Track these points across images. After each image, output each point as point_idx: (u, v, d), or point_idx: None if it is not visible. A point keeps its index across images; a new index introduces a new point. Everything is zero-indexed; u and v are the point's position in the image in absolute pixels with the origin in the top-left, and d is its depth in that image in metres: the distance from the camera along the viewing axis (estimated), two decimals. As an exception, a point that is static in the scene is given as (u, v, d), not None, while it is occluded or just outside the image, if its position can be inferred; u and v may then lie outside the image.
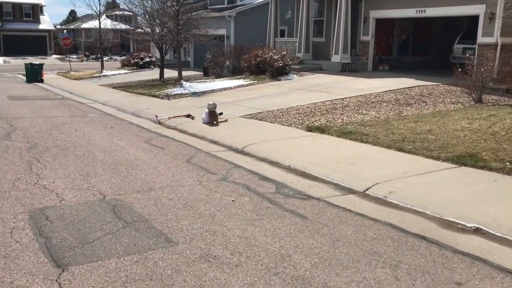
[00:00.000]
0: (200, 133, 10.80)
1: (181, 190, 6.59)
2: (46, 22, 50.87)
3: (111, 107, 15.76)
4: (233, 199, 6.24)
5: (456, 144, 8.65)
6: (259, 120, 12.18)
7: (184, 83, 19.76)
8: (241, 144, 9.51)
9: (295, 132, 10.56)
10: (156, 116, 12.71)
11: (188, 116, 12.65)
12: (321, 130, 10.47)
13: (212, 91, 17.74)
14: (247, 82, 18.85)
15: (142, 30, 21.50)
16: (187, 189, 6.64)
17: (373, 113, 12.29)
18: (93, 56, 42.57)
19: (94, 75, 27.86)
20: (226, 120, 11.88)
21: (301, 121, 11.72)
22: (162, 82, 22.70)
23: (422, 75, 17.90)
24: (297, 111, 12.90)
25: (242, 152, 9.05)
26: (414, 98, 13.89)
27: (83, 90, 20.63)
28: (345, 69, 19.87)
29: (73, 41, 45.28)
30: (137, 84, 22.60)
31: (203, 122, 11.66)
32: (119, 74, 27.80)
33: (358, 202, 6.18)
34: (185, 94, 17.57)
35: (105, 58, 42.51)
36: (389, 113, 12.22)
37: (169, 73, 24.16)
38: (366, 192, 6.55)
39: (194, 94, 17.27)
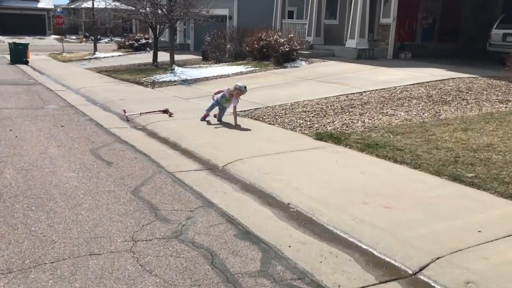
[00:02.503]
0: (173, 138, 7.82)
1: (91, 266, 3.62)
2: (45, 1, 47.68)
3: (81, 96, 12.78)
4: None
5: (542, 173, 5.60)
6: (255, 119, 9.15)
7: (176, 68, 16.72)
8: (223, 158, 6.52)
9: (301, 140, 7.53)
10: (124, 111, 9.72)
11: (165, 112, 9.66)
12: (336, 139, 7.42)
13: (206, 78, 14.69)
14: (247, 69, 15.76)
15: (130, 8, 18.41)
16: (101, 265, 3.65)
17: (402, 113, 9.21)
18: (93, 37, 39.63)
19: (85, 57, 24.88)
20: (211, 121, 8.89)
21: (309, 123, 8.68)
22: (155, 66, 19.66)
23: (452, 64, 14.69)
24: (304, 108, 9.84)
25: (222, 172, 6.06)
26: (450, 94, 10.75)
27: (63, 74, 17.68)
28: (362, 56, 16.70)
29: (74, 22, 42.31)
30: (126, 68, 19.59)
31: (216, 102, 8.93)
32: (112, 56, 24.78)
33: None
34: (174, 81, 14.54)
35: (106, 40, 39.61)
36: (423, 114, 9.13)
37: (165, 57, 20.98)
38: (422, 276, 3.55)
39: (184, 82, 14.24)
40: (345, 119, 8.84)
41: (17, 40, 30.68)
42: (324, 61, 16.26)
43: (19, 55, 22.86)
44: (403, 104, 9.98)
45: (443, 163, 6.10)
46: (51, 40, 39.60)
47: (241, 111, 9.89)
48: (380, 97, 10.67)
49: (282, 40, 16.21)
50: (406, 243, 3.97)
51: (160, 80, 14.94)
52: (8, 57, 26.19)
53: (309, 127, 8.42)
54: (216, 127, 8.47)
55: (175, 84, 14.08)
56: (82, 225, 4.35)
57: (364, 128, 8.23)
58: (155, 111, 9.74)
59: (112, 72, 18.16)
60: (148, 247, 3.93)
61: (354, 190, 5.21)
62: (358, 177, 5.67)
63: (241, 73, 15.24)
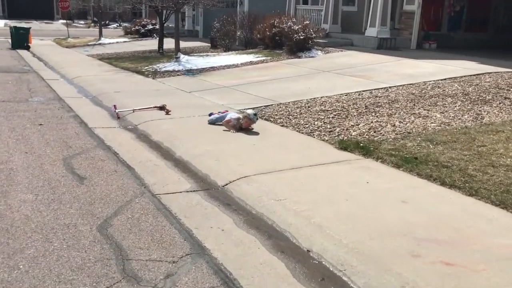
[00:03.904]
0: (167, 143, 6.42)
1: None
2: (54, -16, 46.15)
3: (74, 86, 11.41)
4: None
5: None
6: (265, 120, 7.71)
7: (181, 56, 15.26)
8: (225, 175, 5.11)
9: (320, 150, 6.08)
10: (115, 107, 8.32)
11: (162, 108, 8.25)
12: (363, 149, 5.97)
13: (212, 68, 13.22)
14: (258, 59, 14.26)
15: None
16: None
17: (438, 115, 7.72)
18: (102, 22, 38.17)
19: (90, 43, 23.47)
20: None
21: (328, 125, 7.22)
22: (161, 53, 18.22)
23: (484, 57, 13.08)
24: (323, 107, 8.38)
25: (221, 195, 4.67)
26: (489, 92, 9.20)
27: (62, 61, 16.31)
28: (383, 46, 15.10)
29: (83, 6, 40.82)
30: (130, 55, 18.16)
31: (211, 122, 7.32)
32: (117, 43, 23.34)
33: None
34: (178, 71, 13.09)
35: (114, 25, 38.18)
36: (462, 115, 7.64)
37: (172, 44, 19.36)
38: None
39: (188, 72, 12.79)
40: (372, 122, 7.37)
41: (24, 24, 29.39)
42: (342, 51, 14.70)
43: (20, 40, 21.52)
44: (436, 103, 8.48)
45: (506, 189, 4.65)
46: (59, 25, 38.21)
47: (248, 108, 8.46)
48: (409, 94, 9.17)
49: (297, 27, 14.66)
50: None
51: (163, 69, 13.51)
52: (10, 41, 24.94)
53: (330, 131, 6.96)
54: (217, 130, 7.05)
55: (178, 75, 12.64)
56: (13, 290, 2.99)
57: (396, 133, 6.77)
58: (151, 108, 8.34)
59: (113, 59, 16.75)
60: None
61: (397, 232, 3.79)
62: (399, 209, 4.24)
63: (251, 62, 13.75)
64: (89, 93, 10.35)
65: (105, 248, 3.56)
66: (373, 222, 3.96)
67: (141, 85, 11.28)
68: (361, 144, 6.15)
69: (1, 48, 21.33)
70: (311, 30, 14.74)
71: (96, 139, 6.63)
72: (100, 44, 23.01)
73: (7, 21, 36.88)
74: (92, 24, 38.53)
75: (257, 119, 6.90)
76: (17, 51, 20.35)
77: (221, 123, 7.19)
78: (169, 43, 19.38)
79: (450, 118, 7.55)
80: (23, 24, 30.01)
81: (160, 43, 18.82)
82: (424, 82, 10.10)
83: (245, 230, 3.92)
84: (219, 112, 7.60)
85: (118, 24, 37.99)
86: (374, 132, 6.88)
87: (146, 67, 14.01)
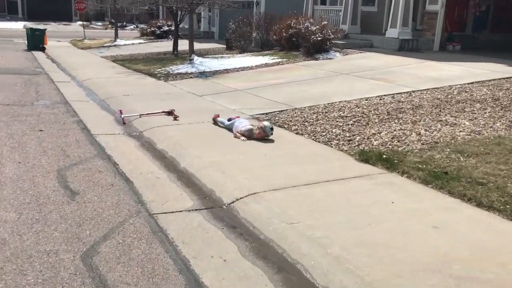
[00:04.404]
0: (172, 152, 5.88)
1: None
2: (72, -14, 46.18)
3: (84, 89, 10.98)
4: None
5: None
6: (279, 126, 7.12)
7: (195, 58, 14.76)
8: (231, 190, 4.55)
9: (339, 162, 5.46)
10: (121, 112, 7.82)
11: (170, 113, 7.73)
12: (387, 162, 5.34)
13: (226, 71, 12.69)
14: (273, 61, 13.67)
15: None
16: None
17: (466, 122, 7.04)
18: (119, 24, 38.05)
19: (105, 45, 23.16)
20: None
21: (347, 133, 6.61)
22: (175, 55, 17.77)
23: (512, 59, 12.33)
24: (341, 112, 7.77)
25: (227, 215, 4.11)
26: (521, 97, 8.50)
27: (75, 63, 15.95)
28: (404, 48, 14.39)
29: (101, 8, 40.77)
30: (145, 57, 17.75)
31: (226, 126, 6.82)
32: (132, 44, 22.97)
33: None
34: (191, 74, 12.59)
35: (131, 27, 37.95)
36: (494, 123, 6.95)
37: (187, 45, 19.09)
38: None
39: (201, 74, 12.28)
40: (395, 129, 6.74)
41: (42, 26, 29.30)
42: (361, 53, 14.03)
43: (35, 41, 21.29)
44: (464, 109, 7.79)
45: (555, 213, 4.00)
46: (77, 26, 38.09)
47: (262, 114, 7.91)
48: (434, 98, 8.49)
49: (314, 28, 14.04)
50: None
51: (176, 71, 13.02)
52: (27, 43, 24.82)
53: (349, 140, 6.35)
54: (227, 137, 6.50)
55: (191, 77, 12.13)
56: None
57: (422, 143, 6.13)
58: (158, 112, 7.82)
59: (127, 61, 16.34)
60: None
61: (429, 267, 3.18)
62: (431, 236, 3.63)
63: (266, 65, 13.18)
64: (97, 97, 9.90)
65: (86, 283, 3.03)
66: (401, 254, 3.36)
67: (152, 88, 10.79)
68: (384, 156, 5.53)
69: (17, 50, 21.12)
70: (329, 31, 14.10)
71: (96, 147, 6.13)
72: (115, 45, 22.68)
73: (26, 23, 36.92)
74: (110, 26, 38.38)
75: (272, 133, 6.32)
76: (32, 52, 20.12)
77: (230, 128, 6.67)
78: (184, 45, 18.88)
79: (481, 126, 6.87)
80: (41, 25, 29.93)
81: (175, 45, 18.37)
82: (449, 86, 9.41)
83: (251, 261, 3.36)
84: (229, 119, 7.05)
85: (135, 26, 37.77)
86: (398, 141, 6.25)
87: (159, 69, 13.54)
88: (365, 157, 5.52)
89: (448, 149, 5.81)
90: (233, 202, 4.36)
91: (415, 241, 3.55)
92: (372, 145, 6.14)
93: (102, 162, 5.53)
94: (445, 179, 4.77)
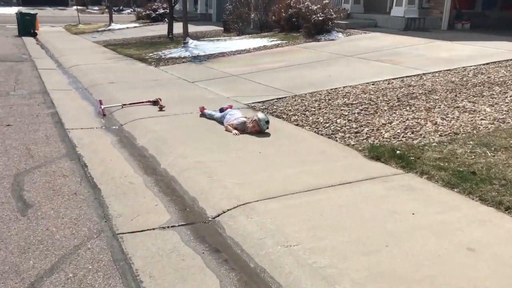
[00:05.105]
0: (153, 149, 5.06)
1: None
2: (67, -30, 44.77)
3: (68, 77, 10.12)
4: None
5: None
6: (276, 117, 6.27)
7: (190, 41, 13.82)
8: (218, 200, 3.73)
9: (345, 160, 4.61)
10: (101, 102, 6.97)
11: (155, 103, 6.89)
12: (402, 160, 4.49)
13: (222, 54, 11.77)
14: (272, 43, 12.73)
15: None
16: None
17: (487, 108, 6.17)
18: (115, 8, 36.91)
19: (99, 29, 22.15)
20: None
21: (354, 124, 5.76)
22: (170, 39, 16.79)
23: (527, 37, 11.37)
24: (346, 99, 6.90)
25: (210, 233, 3.29)
26: (544, 78, 7.61)
27: (65, 49, 15.02)
28: (410, 27, 13.43)
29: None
30: (137, 41, 16.79)
31: (216, 118, 5.97)
32: (127, 28, 21.96)
33: None
34: (183, 58, 11.68)
35: (128, 10, 36.81)
36: (517, 109, 6.11)
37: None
38: None
39: (195, 59, 11.37)
40: (407, 118, 5.89)
41: (37, 11, 28.26)
42: (365, 33, 13.07)
43: (26, 26, 20.35)
44: (482, 92, 6.92)
45: None
46: (72, 11, 36.88)
47: (258, 102, 7.05)
48: (448, 82, 7.61)
49: (315, 8, 13.06)
50: None
51: (168, 56, 12.12)
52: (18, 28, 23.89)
53: (356, 132, 5.51)
54: (217, 131, 5.67)
55: (183, 62, 11.24)
56: None
57: (440, 135, 5.28)
58: (143, 102, 6.98)
59: (119, 46, 15.41)
60: None
61: (472, 313, 2.37)
62: (467, 265, 2.81)
63: (265, 47, 12.26)
64: (81, 85, 9.04)
65: None
66: (432, 293, 2.54)
67: (140, 74, 9.92)
68: (398, 152, 4.69)
69: (6, 36, 20.18)
70: (331, 11, 13.13)
71: (67, 145, 5.30)
72: (109, 30, 21.70)
73: (21, 7, 35.76)
74: (106, 10, 37.22)
75: (267, 127, 5.47)
76: (23, 38, 19.20)
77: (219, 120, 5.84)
78: (179, 28, 17.84)
79: (503, 112, 6.01)
80: (36, 10, 28.89)
81: (170, 28, 17.38)
82: (463, 67, 8.52)
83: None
84: (221, 109, 6.21)
85: (132, 10, 36.62)
86: (412, 133, 5.41)
87: (151, 54, 12.64)
88: (376, 153, 4.67)
89: (471, 142, 4.97)
90: (219, 215, 3.55)
91: (446, 271, 2.74)
92: (383, 137, 5.29)
93: (69, 163, 4.71)
94: (474, 181, 3.94)
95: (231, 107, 6.34)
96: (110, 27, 22.39)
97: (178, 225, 3.44)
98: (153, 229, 3.38)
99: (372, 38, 12.17)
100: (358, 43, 11.62)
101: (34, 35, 20.26)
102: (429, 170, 4.22)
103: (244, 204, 3.61)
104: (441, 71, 8.33)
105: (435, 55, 9.68)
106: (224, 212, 3.56)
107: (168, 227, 3.41)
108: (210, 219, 3.54)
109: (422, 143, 5.03)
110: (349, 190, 3.86)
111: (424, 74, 8.19)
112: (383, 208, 3.54)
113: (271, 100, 7.12)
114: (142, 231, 3.34)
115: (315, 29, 12.80)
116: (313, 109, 6.50)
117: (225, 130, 5.61)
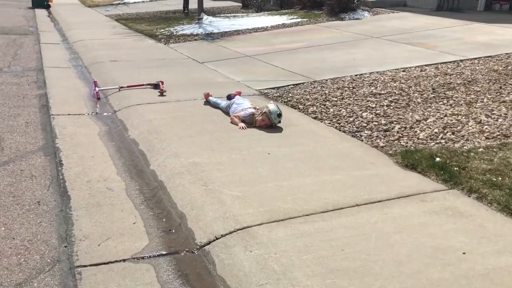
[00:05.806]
0: (144, 144, 4.28)
1: None
2: None
3: (70, 52, 9.35)
4: None
5: None
6: (291, 107, 5.41)
7: (204, 17, 12.91)
8: (210, 219, 2.91)
9: (373, 169, 3.71)
10: (95, 84, 6.18)
11: (157, 86, 6.06)
12: (444, 171, 3.60)
13: (237, 32, 10.85)
14: (292, 21, 11.74)
15: None
16: None
17: (540, 104, 5.22)
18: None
19: (114, 3, 21.30)
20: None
21: (383, 120, 4.86)
22: (186, 14, 15.85)
23: None
24: (373, 88, 5.98)
25: (196, 270, 2.49)
26: None
27: (74, 22, 14.23)
28: (443, 7, 12.27)
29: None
30: (151, 16, 15.90)
31: (222, 107, 5.13)
32: (143, 2, 21.02)
33: None
34: (196, 35, 10.80)
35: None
36: None
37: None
38: None
39: (207, 36, 10.47)
40: (445, 114, 4.96)
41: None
42: (393, 12, 11.97)
43: (40, -2, 19.64)
44: (531, 84, 5.93)
45: None
46: (92, -17, 36.28)
47: (272, 88, 6.18)
48: (490, 70, 6.61)
49: (339, -16, 11.98)
50: None
51: (180, 32, 11.25)
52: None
53: (385, 130, 4.62)
54: (221, 122, 4.83)
55: (195, 39, 10.35)
56: None
57: (486, 137, 4.37)
58: (143, 85, 6.17)
59: (131, 20, 14.56)
60: None
61: None
62: None
63: (283, 25, 11.27)
64: (81, 62, 8.27)
65: None
66: None
67: (147, 52, 9.09)
68: (438, 159, 3.80)
69: (19, 7, 19.48)
70: (357, -13, 12.03)
71: (47, 135, 4.54)
72: (124, 3, 20.81)
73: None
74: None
75: (279, 121, 4.60)
76: (35, 10, 18.47)
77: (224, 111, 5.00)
78: (196, 3, 17.01)
79: (561, 110, 5.04)
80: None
81: (185, 3, 16.42)
82: (506, 54, 7.47)
83: None
84: (228, 96, 5.38)
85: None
86: (452, 133, 4.50)
87: (162, 30, 11.78)
88: (411, 160, 3.79)
89: (527, 149, 4.05)
90: (209, 242, 2.75)
91: None
92: (418, 138, 4.40)
93: (43, 159, 3.94)
94: (540, 207, 3.05)
95: (239, 93, 5.49)
96: (125, 0, 21.50)
97: (157, 255, 2.65)
98: (123, 260, 2.59)
99: (401, 18, 11.09)
100: (385, 24, 10.56)
101: (47, 7, 19.52)
102: (479, 188, 3.33)
103: (243, 229, 2.80)
104: (481, 57, 7.30)
105: (472, 39, 8.63)
106: (217, 239, 2.76)
107: (143, 257, 2.63)
108: (198, 247, 2.74)
109: (466, 147, 4.13)
110: (379, 213, 3.01)
111: (461, 60, 7.18)
112: (423, 242, 2.68)
113: (287, 86, 6.23)
114: (108, 263, 2.56)
115: (339, 6, 11.74)
116: (334, 99, 5.61)
117: (231, 122, 4.77)
